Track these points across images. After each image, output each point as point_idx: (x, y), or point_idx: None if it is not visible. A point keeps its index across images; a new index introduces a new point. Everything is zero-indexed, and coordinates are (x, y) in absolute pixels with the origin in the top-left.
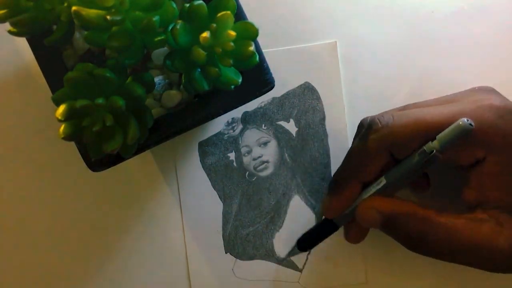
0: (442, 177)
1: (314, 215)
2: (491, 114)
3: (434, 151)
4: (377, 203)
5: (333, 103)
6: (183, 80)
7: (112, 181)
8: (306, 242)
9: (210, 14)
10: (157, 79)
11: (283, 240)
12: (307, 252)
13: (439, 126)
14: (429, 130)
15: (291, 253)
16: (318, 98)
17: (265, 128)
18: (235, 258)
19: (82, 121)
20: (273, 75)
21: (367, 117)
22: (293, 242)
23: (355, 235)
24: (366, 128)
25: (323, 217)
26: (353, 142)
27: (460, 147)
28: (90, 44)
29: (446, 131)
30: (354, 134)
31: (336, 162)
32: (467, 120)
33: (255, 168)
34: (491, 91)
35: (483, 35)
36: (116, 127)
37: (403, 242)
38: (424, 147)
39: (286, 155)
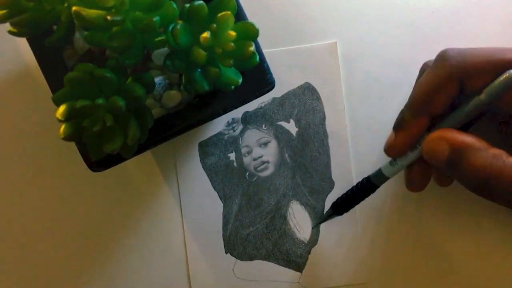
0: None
1: (314, 215)
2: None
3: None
4: (447, 134)
5: (333, 103)
6: (183, 81)
7: (112, 181)
8: (343, 205)
9: (211, 14)
10: (157, 79)
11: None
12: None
13: (427, 85)
14: (503, 63)
15: (325, 217)
16: (318, 98)
17: (266, 128)
18: (235, 259)
19: (83, 122)
20: (273, 75)
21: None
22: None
23: (419, 180)
24: (437, 59)
25: (360, 180)
26: (422, 75)
27: (444, 90)
28: (91, 44)
29: (494, 83)
30: (417, 77)
31: (336, 162)
32: None
33: (255, 168)
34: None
35: (483, 35)
36: (116, 127)
37: (467, 182)
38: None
39: (287, 155)
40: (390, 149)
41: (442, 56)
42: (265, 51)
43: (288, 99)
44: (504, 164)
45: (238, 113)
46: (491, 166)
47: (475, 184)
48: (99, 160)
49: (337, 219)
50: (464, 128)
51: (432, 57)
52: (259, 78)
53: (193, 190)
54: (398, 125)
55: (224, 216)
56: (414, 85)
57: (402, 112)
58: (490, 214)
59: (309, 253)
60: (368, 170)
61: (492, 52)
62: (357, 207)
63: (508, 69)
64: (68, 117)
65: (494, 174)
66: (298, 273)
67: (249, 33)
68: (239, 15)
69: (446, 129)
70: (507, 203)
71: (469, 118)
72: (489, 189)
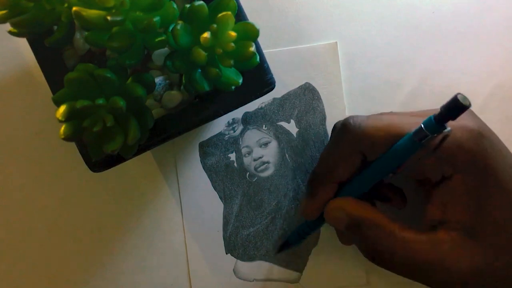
0: (407, 195)
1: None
2: (464, 135)
3: (423, 127)
4: (345, 204)
5: (333, 104)
6: (184, 81)
7: (112, 181)
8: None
9: (211, 15)
10: (157, 80)
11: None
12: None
13: (330, 156)
14: (401, 134)
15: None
16: (318, 98)
17: (266, 128)
18: (235, 259)
19: (83, 122)
20: (274, 76)
21: (339, 121)
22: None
23: (348, 237)
24: (339, 129)
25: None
26: (327, 145)
27: (430, 159)
28: (91, 45)
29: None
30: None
31: None
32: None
33: (255, 169)
34: (468, 112)
35: (484, 35)
36: (116, 127)
37: (362, 250)
38: (421, 124)
39: (287, 155)
40: (304, 214)
41: (344, 128)
42: (265, 51)
43: (288, 99)
44: (393, 240)
45: (238, 113)
46: (385, 241)
47: (368, 255)
48: (99, 161)
49: None
50: (373, 187)
51: (433, 57)
52: (259, 78)
53: (194, 191)
54: (308, 192)
55: (225, 217)
56: (321, 154)
57: (309, 177)
58: None
59: (310, 253)
60: None
61: (391, 124)
62: None
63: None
64: (68, 117)
65: (387, 248)
66: (298, 274)
67: (250, 34)
68: (240, 15)
69: (344, 198)
70: (403, 274)
71: (371, 184)
72: (383, 262)
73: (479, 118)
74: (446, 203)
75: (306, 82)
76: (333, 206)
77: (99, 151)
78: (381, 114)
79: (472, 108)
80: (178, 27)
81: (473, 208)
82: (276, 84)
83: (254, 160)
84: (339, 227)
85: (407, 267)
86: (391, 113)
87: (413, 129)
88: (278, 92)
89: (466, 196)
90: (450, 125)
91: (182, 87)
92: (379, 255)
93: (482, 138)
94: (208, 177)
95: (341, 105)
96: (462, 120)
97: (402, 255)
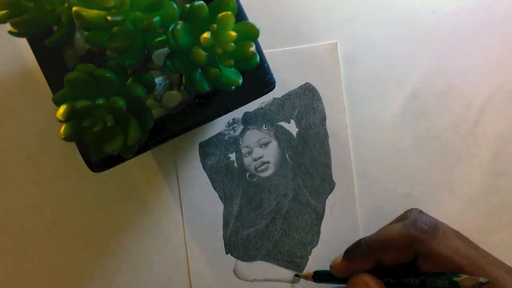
0: None
1: (314, 215)
2: (416, 231)
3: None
4: (369, 281)
5: (333, 104)
6: (184, 81)
7: (112, 181)
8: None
9: (211, 15)
10: (157, 80)
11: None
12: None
13: (387, 241)
14: (455, 263)
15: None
16: (318, 98)
17: (266, 128)
18: (235, 259)
19: (83, 122)
20: (274, 76)
21: (426, 218)
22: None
23: None
24: (412, 223)
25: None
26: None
27: (399, 252)
28: (91, 45)
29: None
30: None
31: (336, 162)
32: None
33: (256, 169)
34: (420, 212)
35: (484, 35)
36: (116, 127)
37: None
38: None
39: (287, 155)
40: (333, 271)
41: (430, 230)
42: (265, 51)
43: (288, 99)
44: None
45: (238, 113)
46: None
47: None
48: (99, 160)
49: (338, 220)
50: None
51: (433, 57)
52: (259, 78)
53: (194, 191)
54: (350, 256)
55: (225, 217)
56: (382, 228)
57: (358, 245)
58: (493, 215)
59: (310, 253)
60: (368, 170)
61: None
62: (357, 207)
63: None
64: (68, 118)
65: None
66: (297, 277)
67: (250, 34)
68: (240, 15)
69: (369, 276)
70: None
71: None
72: None
73: (428, 216)
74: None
75: (306, 82)
76: (360, 281)
77: (99, 151)
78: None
79: (472, 108)
80: (178, 27)
81: None
82: (276, 84)
83: (254, 160)
84: None
85: None
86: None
87: (388, 239)
88: (278, 92)
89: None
90: (407, 222)
91: (182, 87)
92: None
93: (433, 229)
94: (208, 177)
95: (341, 105)
96: (414, 217)
97: None
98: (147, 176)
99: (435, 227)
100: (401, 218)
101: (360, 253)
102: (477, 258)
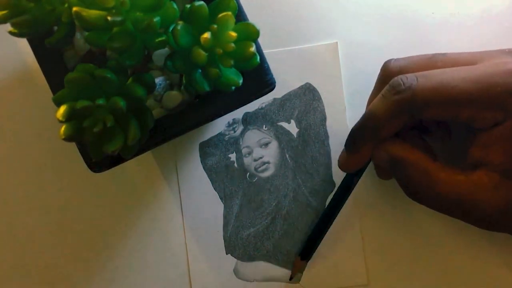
0: (454, 137)
1: (314, 216)
2: (396, 93)
3: None
4: (388, 146)
5: (334, 104)
6: (184, 81)
7: (112, 182)
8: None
9: (211, 15)
10: (157, 80)
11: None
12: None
13: (461, 93)
14: (451, 97)
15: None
16: (319, 99)
17: (266, 129)
18: (236, 259)
19: (83, 122)
20: (274, 76)
21: (390, 65)
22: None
23: (387, 173)
24: (388, 89)
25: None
26: (373, 91)
27: (485, 108)
28: (91, 45)
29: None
30: (377, 78)
31: (336, 163)
32: None
33: (256, 169)
34: (394, 62)
35: (484, 36)
36: (116, 128)
37: (401, 186)
38: None
39: (287, 156)
40: (343, 168)
41: (393, 88)
42: (265, 51)
43: (288, 99)
44: (429, 179)
45: (238, 113)
46: (421, 178)
47: (406, 192)
48: (99, 161)
49: (338, 221)
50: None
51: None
52: (259, 78)
53: (194, 191)
54: (349, 148)
55: (225, 217)
56: (367, 109)
57: (352, 133)
58: None
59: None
60: (368, 170)
61: (439, 83)
62: (358, 207)
63: (456, 99)
64: (68, 118)
65: (423, 185)
66: (298, 274)
67: (250, 34)
68: (240, 15)
69: (390, 141)
70: (440, 210)
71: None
72: (420, 198)
73: None
74: (490, 146)
75: (307, 83)
76: (379, 147)
77: (99, 151)
78: (434, 56)
79: None
80: (178, 27)
81: None
82: (276, 84)
83: (255, 160)
84: (383, 166)
85: (443, 203)
86: (445, 56)
87: (465, 90)
88: (278, 92)
89: (510, 141)
90: (505, 67)
91: (182, 88)
92: (416, 192)
93: None
94: (208, 178)
95: (342, 105)
96: (509, 65)
97: (440, 192)
98: (147, 176)
99: (412, 78)
100: (380, 81)
101: (360, 140)
102: (470, 81)
